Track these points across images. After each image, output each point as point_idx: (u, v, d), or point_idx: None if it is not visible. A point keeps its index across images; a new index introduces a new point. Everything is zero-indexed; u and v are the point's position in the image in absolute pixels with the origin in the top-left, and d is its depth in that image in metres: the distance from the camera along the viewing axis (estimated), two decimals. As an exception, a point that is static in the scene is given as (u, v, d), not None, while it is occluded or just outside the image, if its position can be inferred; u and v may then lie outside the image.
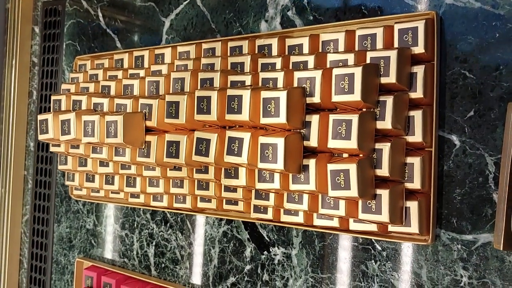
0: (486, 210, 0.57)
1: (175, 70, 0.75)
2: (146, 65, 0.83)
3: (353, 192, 0.55)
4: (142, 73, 0.81)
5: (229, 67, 0.71)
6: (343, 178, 0.55)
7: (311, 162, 0.59)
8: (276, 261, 0.73)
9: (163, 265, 0.86)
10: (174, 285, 0.82)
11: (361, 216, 0.58)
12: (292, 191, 0.61)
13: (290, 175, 0.60)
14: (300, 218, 0.66)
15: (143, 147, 0.73)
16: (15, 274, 1.10)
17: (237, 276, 0.77)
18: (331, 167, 0.56)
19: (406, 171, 0.59)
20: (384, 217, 0.56)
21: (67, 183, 0.89)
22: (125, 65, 0.86)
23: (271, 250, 0.74)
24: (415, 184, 0.58)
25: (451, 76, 0.60)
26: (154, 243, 0.87)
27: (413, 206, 0.58)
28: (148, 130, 0.73)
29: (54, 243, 1.04)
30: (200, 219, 0.82)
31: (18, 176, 1.11)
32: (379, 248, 0.64)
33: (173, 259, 0.85)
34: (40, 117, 0.80)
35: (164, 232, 0.86)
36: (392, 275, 0.63)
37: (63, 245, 1.02)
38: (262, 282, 0.74)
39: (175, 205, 0.78)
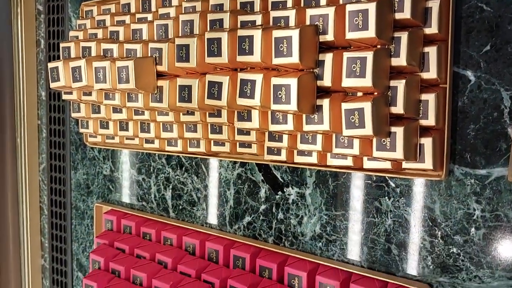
0: (501, 144, 0.58)
1: (183, 12, 0.74)
2: (153, 8, 0.81)
3: (368, 130, 0.55)
4: (150, 16, 0.79)
5: (238, 7, 0.69)
6: (357, 116, 0.55)
7: (325, 102, 0.59)
8: (290, 201, 0.75)
9: (180, 207, 0.88)
10: (192, 225, 0.85)
11: (375, 154, 0.59)
12: (305, 132, 0.62)
13: (304, 115, 0.61)
14: (313, 159, 0.66)
15: (155, 92, 0.73)
16: (36, 220, 1.14)
17: (252, 216, 0.79)
18: (345, 106, 0.56)
19: (421, 108, 0.59)
20: (399, 154, 0.57)
21: (81, 130, 0.90)
22: (132, 10, 0.84)
23: (285, 190, 0.75)
24: (430, 120, 0.58)
25: (467, 10, 0.59)
26: (170, 187, 0.89)
27: (427, 142, 0.58)
28: (160, 75, 0.73)
29: (72, 190, 1.07)
30: (215, 162, 0.83)
31: (32, 126, 1.12)
32: (393, 185, 0.65)
33: (190, 201, 0.87)
34: (51, 65, 0.80)
35: (180, 175, 0.88)
36: (406, 211, 0.65)
37: (81, 191, 1.05)
38: (277, 220, 0.76)
39: (190, 149, 0.79)
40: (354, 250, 0.69)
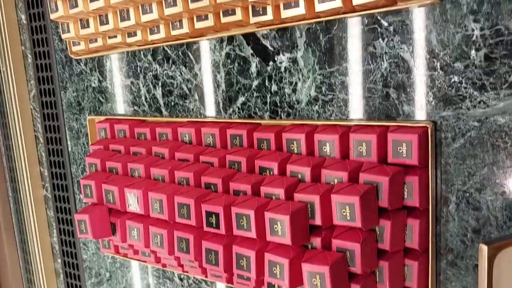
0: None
1: None
2: None
3: None
4: None
5: None
6: None
7: None
8: (282, 69, 0.72)
9: (172, 103, 0.85)
10: (187, 119, 0.82)
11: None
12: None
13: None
14: (301, 9, 0.63)
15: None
16: (33, 150, 1.12)
17: (246, 95, 0.76)
18: None
19: None
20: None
21: (63, 36, 0.87)
22: None
23: (276, 58, 0.72)
24: None
25: None
26: (160, 84, 0.86)
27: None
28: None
29: (64, 111, 1.04)
30: (201, 46, 0.80)
31: (16, 53, 1.09)
32: (385, 24, 0.62)
33: (181, 94, 0.84)
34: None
35: (167, 69, 0.85)
36: (401, 48, 0.61)
37: (73, 110, 1.02)
38: (271, 93, 0.73)
39: (173, 32, 0.76)
40: (351, 104, 0.66)
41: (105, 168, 0.83)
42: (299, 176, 0.65)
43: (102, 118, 0.94)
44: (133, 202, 0.75)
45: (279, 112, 0.73)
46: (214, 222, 0.66)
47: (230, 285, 0.79)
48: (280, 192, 0.63)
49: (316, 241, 0.62)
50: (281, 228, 0.60)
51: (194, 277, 0.90)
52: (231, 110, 0.78)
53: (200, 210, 0.68)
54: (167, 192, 0.71)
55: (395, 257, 0.61)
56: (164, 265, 0.85)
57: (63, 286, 1.16)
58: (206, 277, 0.79)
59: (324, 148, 0.65)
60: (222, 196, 0.67)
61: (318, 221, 0.61)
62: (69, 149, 1.06)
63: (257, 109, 0.75)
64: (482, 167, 0.59)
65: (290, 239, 0.59)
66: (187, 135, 0.79)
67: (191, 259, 0.70)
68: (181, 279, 0.92)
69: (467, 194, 0.60)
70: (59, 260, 1.15)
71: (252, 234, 0.63)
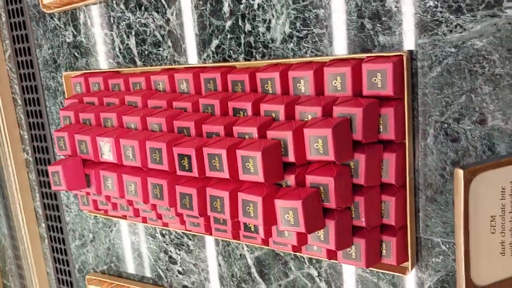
0: None
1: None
2: None
3: None
4: None
5: None
6: None
7: None
8: (255, 6, 0.69)
9: (146, 52, 0.83)
10: (161, 67, 0.80)
11: None
12: None
13: None
14: None
15: None
16: (11, 112, 1.10)
17: (219, 37, 0.74)
18: None
19: None
20: None
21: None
22: None
23: (248, -3, 0.69)
24: None
25: None
26: (133, 33, 0.83)
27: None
28: None
29: (41, 70, 1.02)
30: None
31: (-11, 12, 1.06)
32: None
33: (154, 42, 0.81)
34: None
35: (140, 17, 0.82)
36: None
37: (49, 68, 1.00)
38: (245, 33, 0.71)
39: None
40: (327, 39, 0.64)
41: (79, 120, 0.81)
42: (273, 115, 0.63)
43: (78, 73, 0.92)
44: (105, 150, 0.73)
45: (254, 53, 0.71)
46: (186, 165, 0.64)
47: (209, 235, 0.77)
48: (253, 131, 0.61)
49: (290, 179, 0.60)
50: (253, 166, 0.58)
51: (176, 232, 0.89)
52: (205, 55, 0.76)
53: (172, 154, 0.66)
54: (139, 138, 0.69)
55: (371, 192, 0.59)
56: (144, 220, 0.84)
57: (48, 251, 1.15)
58: (186, 229, 0.77)
59: (299, 86, 0.63)
60: (194, 139, 0.65)
61: (291, 157, 0.58)
62: (47, 110, 1.03)
63: (231, 52, 0.73)
64: (459, 96, 0.56)
65: (263, 176, 0.57)
66: (160, 83, 0.77)
67: (165, 205, 0.68)
68: (163, 235, 0.91)
69: (445, 125, 0.58)
70: (43, 225, 1.14)
71: (225, 174, 0.61)
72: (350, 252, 0.61)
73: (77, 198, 0.98)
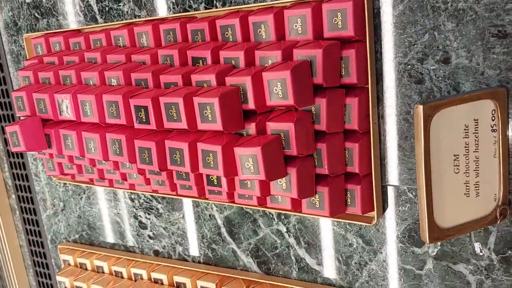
0: None
1: None
2: None
3: None
4: None
5: None
6: None
7: None
8: (214, -48, 0.66)
9: (107, 8, 0.79)
10: (121, 23, 0.76)
11: None
12: None
13: None
14: None
15: None
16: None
17: (179, -12, 0.71)
18: None
19: None
20: None
21: None
22: None
23: None
24: None
25: None
26: (93, -11, 0.80)
27: None
28: None
29: (2, 35, 0.98)
30: None
31: None
32: None
33: (114, -3, 0.78)
34: None
35: (99, -29, 0.78)
36: None
37: (10, 31, 0.96)
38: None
39: None
40: (287, -19, 0.61)
41: (38, 80, 0.78)
42: (233, 62, 0.60)
43: (39, 34, 0.88)
44: (64, 108, 0.70)
45: (215, 2, 0.68)
46: (143, 117, 0.61)
47: (175, 195, 0.75)
48: (211, 79, 0.59)
49: (251, 127, 0.58)
50: (211, 113, 0.56)
51: (144, 196, 0.86)
52: (165, 7, 0.73)
53: (129, 107, 0.63)
54: (95, 92, 0.66)
55: (334, 139, 0.57)
56: (111, 183, 0.81)
57: (20, 223, 1.12)
58: (152, 189, 0.75)
59: (260, 32, 0.60)
60: (151, 90, 0.62)
61: (251, 104, 0.56)
62: (11, 76, 1.00)
63: (191, 2, 0.70)
64: (423, 34, 0.54)
65: (221, 123, 0.55)
66: (120, 39, 0.74)
67: (125, 161, 0.66)
68: (132, 200, 0.88)
69: (409, 67, 0.56)
70: (13, 196, 1.11)
71: (183, 124, 0.58)
72: (314, 202, 0.59)
73: (44, 165, 0.95)
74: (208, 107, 0.55)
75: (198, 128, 0.58)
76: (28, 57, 0.89)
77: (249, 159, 0.54)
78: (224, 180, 0.61)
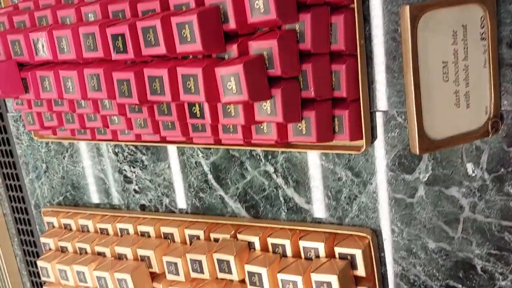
0: None
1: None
2: None
3: None
4: None
5: None
6: None
7: None
8: None
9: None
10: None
11: None
12: None
13: None
14: None
15: None
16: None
17: None
18: None
19: None
20: None
21: None
22: None
23: None
24: None
25: None
26: None
27: None
28: None
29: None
30: None
31: None
32: None
33: None
34: None
35: None
36: None
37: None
38: None
39: None
40: None
41: (13, 24, 0.75)
42: (213, -15, 0.58)
43: (13, -16, 0.85)
44: (40, 47, 0.67)
45: None
46: (121, 46, 0.59)
47: (159, 143, 0.73)
48: (189, 1, 0.56)
49: (233, 49, 0.55)
50: (189, 33, 0.53)
51: (128, 149, 0.84)
52: None
53: (106, 39, 0.61)
54: (71, 27, 0.63)
55: (320, 59, 0.55)
56: (93, 135, 0.79)
57: (2, 190, 1.10)
58: (134, 132, 0.73)
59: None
60: (129, 19, 0.60)
61: (232, 24, 0.54)
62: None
63: None
64: None
65: (201, 42, 0.53)
66: (98, -23, 0.71)
67: (104, 97, 0.63)
68: (116, 154, 0.86)
69: (395, -19, 0.54)
70: (-5, 162, 1.08)
71: (161, 48, 0.56)
72: (300, 128, 0.57)
73: (24, 121, 0.92)
74: (186, 26, 0.53)
75: (177, 52, 0.55)
76: (3, 6, 0.86)
77: (231, 78, 0.52)
78: (207, 110, 0.59)
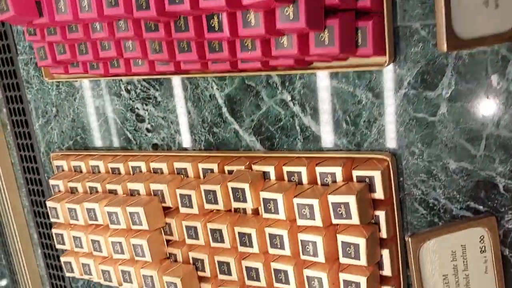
0: None
1: None
2: None
3: None
4: None
5: None
6: None
7: None
8: None
9: None
10: None
11: None
12: None
13: None
14: None
15: None
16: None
17: None
18: None
19: None
20: None
21: None
22: None
23: None
24: None
25: None
26: None
27: None
28: None
29: None
30: None
31: None
32: None
33: None
34: None
35: None
36: None
37: None
38: None
39: None
40: None
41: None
42: None
43: None
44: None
45: None
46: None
47: (173, 73, 0.72)
48: None
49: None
50: None
51: (141, 85, 0.83)
52: None
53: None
54: None
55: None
56: (106, 71, 0.78)
57: (11, 138, 1.09)
58: (151, 70, 0.72)
59: None
60: None
61: None
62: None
63: None
64: None
65: None
66: None
67: (121, 12, 0.62)
68: (128, 91, 0.85)
69: None
70: (4, 110, 1.07)
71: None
72: (322, 38, 0.56)
73: (35, 55, 0.91)
74: None
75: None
76: None
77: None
78: (225, 22, 0.57)
